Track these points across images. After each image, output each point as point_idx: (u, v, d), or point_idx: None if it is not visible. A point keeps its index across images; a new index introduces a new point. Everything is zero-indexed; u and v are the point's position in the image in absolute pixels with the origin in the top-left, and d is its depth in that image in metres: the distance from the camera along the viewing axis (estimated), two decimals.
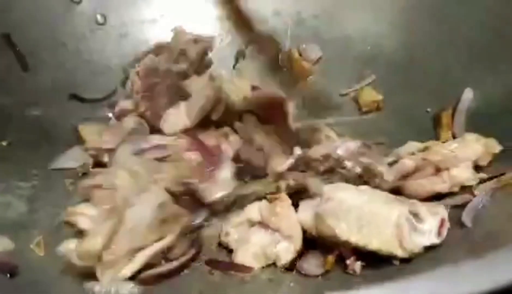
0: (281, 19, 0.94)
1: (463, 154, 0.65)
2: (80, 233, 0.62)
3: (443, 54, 0.84)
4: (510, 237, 0.51)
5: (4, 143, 0.78)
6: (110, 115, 0.89)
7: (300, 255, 0.60)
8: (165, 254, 0.60)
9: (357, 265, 0.57)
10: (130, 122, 0.78)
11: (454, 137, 0.75)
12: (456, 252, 0.55)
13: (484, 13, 0.81)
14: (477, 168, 0.66)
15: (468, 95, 0.77)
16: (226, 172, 0.66)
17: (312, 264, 0.59)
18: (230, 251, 0.63)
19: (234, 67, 0.93)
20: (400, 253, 0.54)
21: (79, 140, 0.82)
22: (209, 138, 0.73)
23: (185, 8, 1.00)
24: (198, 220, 0.64)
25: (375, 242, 0.55)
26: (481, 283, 0.31)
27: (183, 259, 0.59)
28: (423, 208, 0.57)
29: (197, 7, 0.98)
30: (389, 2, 0.92)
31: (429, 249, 0.56)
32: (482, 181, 0.64)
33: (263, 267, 0.60)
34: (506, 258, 0.36)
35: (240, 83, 0.73)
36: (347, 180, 0.65)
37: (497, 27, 0.78)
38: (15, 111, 0.81)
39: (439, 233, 0.56)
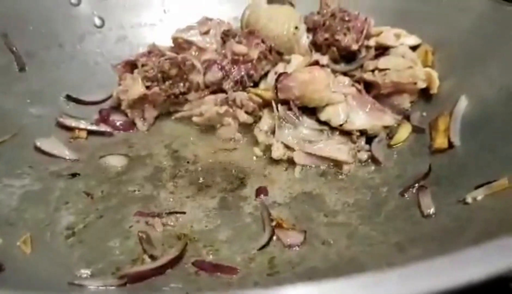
0: None
1: None
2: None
3: (437, 60, 0.84)
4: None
5: None
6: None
7: None
8: None
9: None
10: None
11: (450, 143, 0.74)
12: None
13: (476, 18, 0.81)
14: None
15: (463, 103, 0.77)
16: None
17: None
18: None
19: None
20: None
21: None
22: None
23: (184, 13, 1.02)
24: None
25: None
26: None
27: (165, 258, 0.58)
28: None
29: (196, 12, 0.99)
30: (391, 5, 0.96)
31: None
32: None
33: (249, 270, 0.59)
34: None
35: None
36: None
37: (490, 32, 0.78)
38: (11, 110, 0.82)
39: None
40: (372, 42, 0.89)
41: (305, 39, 0.92)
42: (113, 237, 0.65)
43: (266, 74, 0.92)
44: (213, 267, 0.59)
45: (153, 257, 0.60)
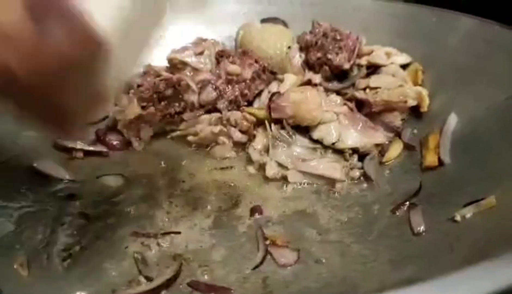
0: None
1: None
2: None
3: (427, 78, 0.86)
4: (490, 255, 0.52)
5: None
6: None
7: None
8: None
9: None
10: None
11: (440, 160, 0.75)
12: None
13: (465, 37, 0.82)
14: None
15: (453, 120, 0.78)
16: None
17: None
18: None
19: None
20: None
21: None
22: None
23: (178, 33, 1.03)
24: None
25: None
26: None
27: (160, 279, 0.59)
28: None
29: (191, 33, 1.01)
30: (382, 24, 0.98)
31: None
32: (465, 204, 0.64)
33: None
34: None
35: None
36: None
37: (478, 50, 0.80)
38: (7, 131, 0.82)
39: None
40: (363, 61, 0.92)
41: (298, 59, 0.94)
42: (109, 258, 0.65)
43: (260, 94, 0.94)
44: (208, 287, 0.60)
45: (148, 278, 0.61)
